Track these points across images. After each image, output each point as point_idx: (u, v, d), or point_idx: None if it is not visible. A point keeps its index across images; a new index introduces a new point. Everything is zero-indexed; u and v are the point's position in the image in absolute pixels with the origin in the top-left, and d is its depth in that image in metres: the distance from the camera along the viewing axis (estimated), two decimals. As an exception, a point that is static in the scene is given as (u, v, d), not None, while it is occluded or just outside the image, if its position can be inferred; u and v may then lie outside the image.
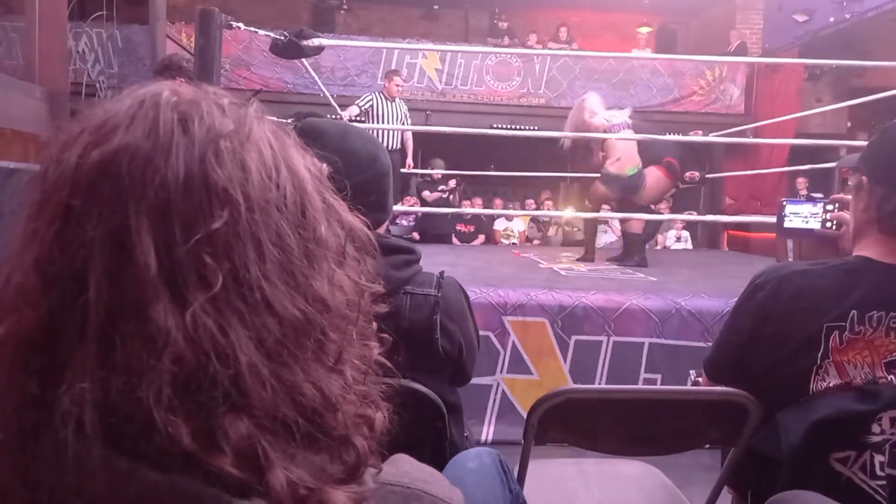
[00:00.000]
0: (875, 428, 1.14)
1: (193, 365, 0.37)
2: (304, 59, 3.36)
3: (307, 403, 0.41)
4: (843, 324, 1.14)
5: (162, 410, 0.36)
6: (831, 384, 1.15)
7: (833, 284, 1.17)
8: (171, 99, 0.42)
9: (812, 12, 8.62)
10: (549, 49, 9.15)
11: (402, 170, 6.02)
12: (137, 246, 0.37)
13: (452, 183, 7.29)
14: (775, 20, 9.52)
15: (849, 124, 9.69)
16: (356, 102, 5.77)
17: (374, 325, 0.50)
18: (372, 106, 5.70)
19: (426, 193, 7.33)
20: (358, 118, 5.60)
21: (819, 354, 1.15)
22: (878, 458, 1.14)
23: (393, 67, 8.88)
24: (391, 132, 5.61)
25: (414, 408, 1.08)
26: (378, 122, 5.63)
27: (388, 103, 5.77)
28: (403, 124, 5.85)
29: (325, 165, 0.48)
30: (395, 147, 5.74)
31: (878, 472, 1.13)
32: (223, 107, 0.43)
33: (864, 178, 1.23)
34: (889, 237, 1.18)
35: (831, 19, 8.31)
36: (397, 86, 5.85)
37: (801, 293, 1.18)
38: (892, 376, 1.14)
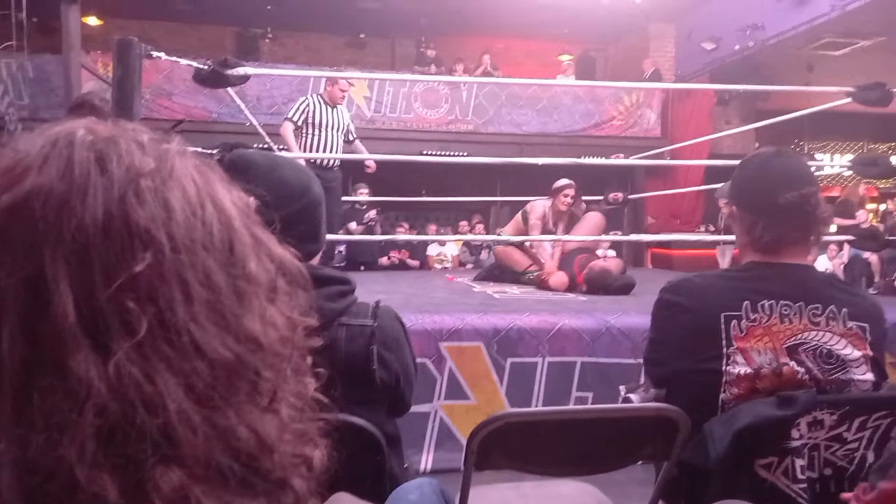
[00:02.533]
0: (794, 433, 1.21)
1: (119, 416, 0.35)
2: (229, 88, 3.30)
3: (242, 447, 0.39)
4: (739, 313, 1.27)
5: (86, 467, 0.34)
6: (741, 372, 1.25)
7: (727, 282, 1.35)
8: (86, 137, 0.40)
9: (719, 40, 9.19)
10: (476, 77, 9.35)
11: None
12: (55, 294, 0.35)
13: (373, 213, 7.23)
14: (686, 48, 10.09)
15: (756, 145, 10.31)
16: (287, 116, 4.99)
17: (309, 360, 0.49)
18: (308, 112, 4.95)
19: (352, 226, 7.22)
20: (297, 132, 4.96)
21: (723, 343, 1.26)
22: (799, 462, 1.20)
23: (320, 95, 8.84)
24: (333, 145, 5.01)
25: (352, 442, 1.06)
26: (316, 131, 4.98)
27: (328, 109, 5.02)
28: (347, 134, 5.20)
29: (252, 199, 0.47)
30: (333, 164, 5.03)
31: (800, 476, 1.19)
32: (143, 144, 0.42)
33: (734, 207, 1.40)
34: (766, 254, 1.33)
35: (737, 47, 8.88)
36: (342, 91, 5.12)
37: (700, 290, 1.33)
38: (793, 361, 1.23)
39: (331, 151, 5.00)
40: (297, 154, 4.60)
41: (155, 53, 2.61)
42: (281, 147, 5.03)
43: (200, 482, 0.36)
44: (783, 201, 1.28)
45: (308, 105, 5.00)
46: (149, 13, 9.89)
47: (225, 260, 0.41)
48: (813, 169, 1.47)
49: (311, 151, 4.91)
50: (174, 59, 2.97)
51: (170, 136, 0.45)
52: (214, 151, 2.25)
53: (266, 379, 0.42)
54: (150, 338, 0.36)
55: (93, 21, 9.53)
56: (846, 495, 1.00)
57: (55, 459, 0.34)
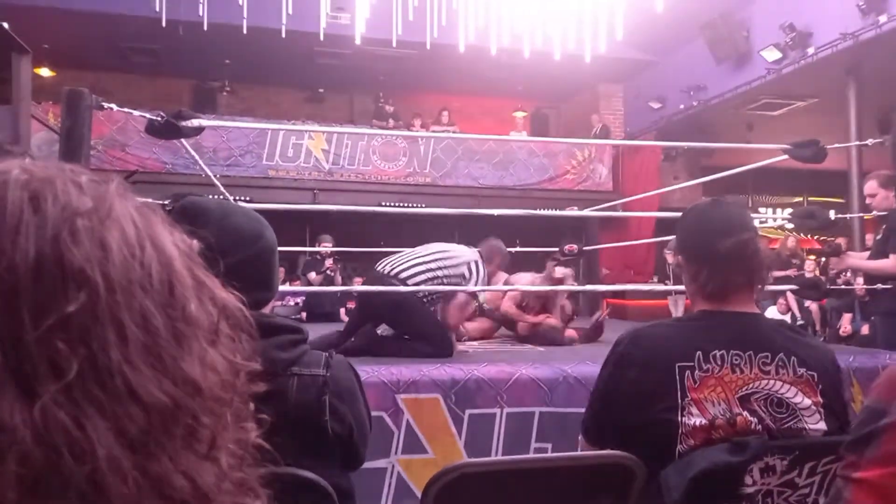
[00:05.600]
0: (748, 479, 1.22)
1: (43, 464, 0.33)
2: (183, 140, 3.28)
3: (177, 496, 0.37)
4: (692, 363, 1.28)
5: None
6: (697, 423, 1.25)
7: (680, 333, 1.35)
8: (20, 177, 0.39)
9: (665, 100, 9.64)
10: (433, 132, 9.54)
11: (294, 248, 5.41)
12: None
13: (330, 262, 7.20)
14: (634, 106, 10.55)
15: (702, 198, 10.70)
16: None
17: (252, 406, 0.48)
18: None
19: (312, 276, 7.18)
20: None
21: (678, 395, 1.26)
22: (753, 509, 1.20)
23: (278, 148, 8.87)
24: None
25: (303, 496, 1.02)
26: None
27: None
28: None
29: (195, 241, 0.47)
30: None
31: (754, 522, 1.20)
32: (81, 184, 0.41)
33: (679, 258, 1.45)
34: (713, 302, 1.36)
35: (681, 106, 9.32)
36: None
37: (654, 342, 1.34)
38: (746, 411, 1.25)
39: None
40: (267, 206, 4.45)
41: (106, 105, 2.59)
42: (238, 197, 5.00)
43: None
44: (723, 248, 1.32)
45: None
46: (105, 65, 9.86)
47: (164, 301, 0.40)
48: (754, 218, 1.53)
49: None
50: (126, 110, 2.94)
51: (110, 178, 0.44)
52: (166, 202, 2.22)
53: (204, 425, 0.41)
54: (79, 380, 0.35)
55: (45, 72, 9.43)
56: None
57: None
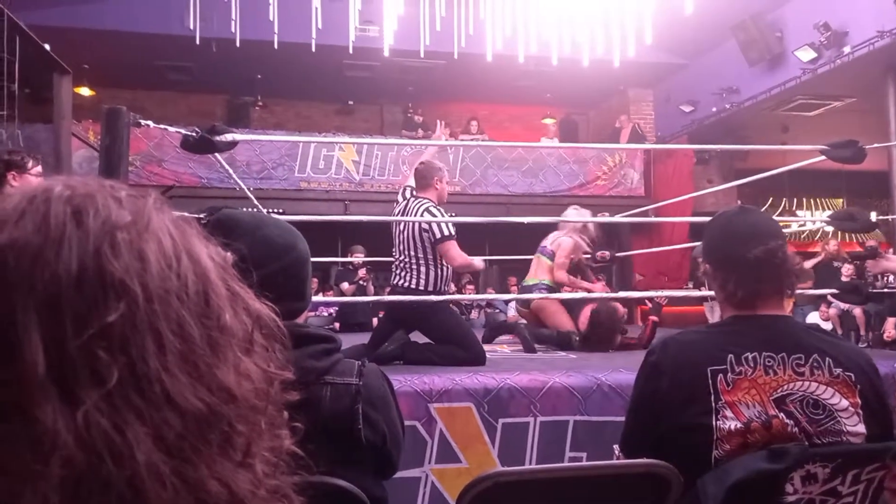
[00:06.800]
0: (788, 488, 1.19)
1: (85, 467, 0.34)
2: (217, 154, 3.35)
3: (212, 501, 0.38)
4: (725, 366, 1.26)
5: None
6: (732, 427, 1.23)
7: (710, 338, 1.34)
8: (63, 193, 0.41)
9: (696, 103, 9.50)
10: (461, 140, 9.57)
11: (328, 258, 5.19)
12: (25, 343, 0.35)
13: (363, 272, 7.25)
14: (664, 110, 10.42)
15: (739, 202, 10.51)
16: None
17: (286, 414, 0.49)
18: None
19: (345, 286, 7.25)
20: None
21: (712, 398, 1.25)
22: (795, 518, 1.17)
23: (310, 160, 8.99)
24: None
25: (336, 505, 1.03)
26: None
27: None
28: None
29: (230, 254, 0.48)
30: None
31: (797, 532, 1.16)
32: (120, 199, 0.43)
33: (707, 266, 1.44)
34: (743, 309, 1.35)
35: (713, 109, 9.18)
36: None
37: (685, 348, 1.33)
38: (782, 413, 1.22)
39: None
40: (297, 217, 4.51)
41: (143, 122, 2.66)
42: (271, 209, 5.08)
43: None
44: (751, 256, 1.31)
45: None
46: (140, 83, 10.13)
47: (199, 311, 0.41)
48: (787, 224, 1.50)
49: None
50: (163, 126, 3.02)
51: (148, 193, 0.46)
52: (201, 215, 2.27)
53: (239, 432, 0.41)
54: (120, 387, 0.36)
55: (85, 91, 9.73)
56: None
57: None
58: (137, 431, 0.36)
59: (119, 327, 0.37)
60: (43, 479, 0.33)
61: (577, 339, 4.04)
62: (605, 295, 4.26)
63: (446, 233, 3.36)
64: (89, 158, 7.10)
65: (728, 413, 1.24)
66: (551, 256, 4.54)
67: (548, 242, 4.62)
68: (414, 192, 3.63)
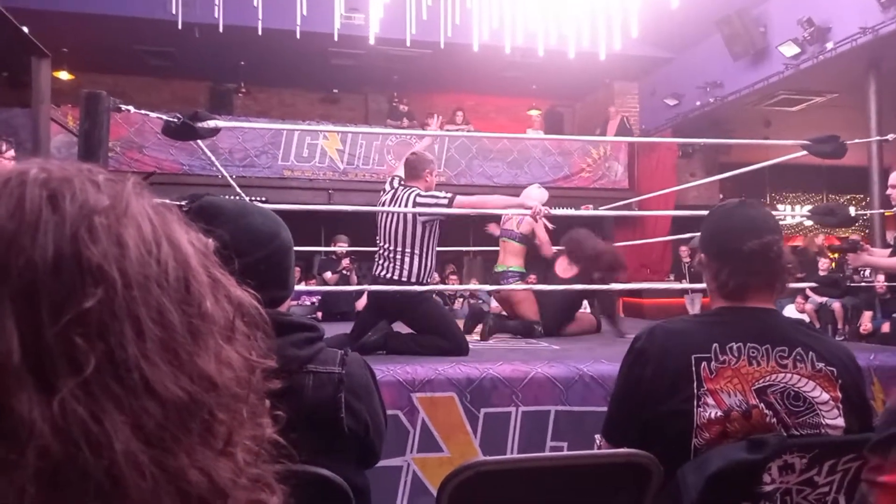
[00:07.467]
0: (766, 478, 1.21)
1: (62, 457, 0.34)
2: (200, 141, 3.31)
3: (193, 491, 0.38)
4: (709, 355, 1.28)
5: None
6: (712, 415, 1.25)
7: (697, 327, 1.37)
8: (39, 176, 0.40)
9: (681, 97, 9.56)
10: (447, 130, 9.54)
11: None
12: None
13: (346, 262, 7.23)
14: (649, 104, 10.47)
15: (721, 196, 10.61)
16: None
17: (268, 403, 0.48)
18: None
19: (328, 275, 7.23)
20: None
21: (694, 385, 1.27)
22: (772, 507, 1.19)
23: (293, 148, 8.92)
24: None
25: (318, 494, 1.03)
26: None
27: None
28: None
29: (211, 240, 0.47)
30: None
31: (773, 521, 1.18)
32: (98, 183, 0.41)
33: (702, 255, 1.45)
34: (732, 300, 1.37)
35: (697, 103, 9.23)
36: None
37: (671, 336, 1.34)
38: (762, 404, 1.24)
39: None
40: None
41: (124, 106, 2.61)
42: (254, 197, 5.03)
43: None
44: (746, 249, 1.33)
45: None
46: (122, 68, 9.96)
47: (180, 298, 0.40)
48: (778, 219, 1.52)
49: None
50: (144, 112, 2.97)
51: (127, 177, 0.45)
52: (183, 203, 2.24)
53: (220, 420, 0.41)
54: (97, 375, 0.35)
55: (64, 76, 9.55)
56: None
57: None
58: (115, 420, 0.35)
59: (97, 314, 0.36)
60: (19, 470, 0.33)
61: (540, 330, 4.21)
62: (588, 287, 4.28)
63: (443, 201, 3.40)
64: (68, 143, 6.98)
65: (709, 400, 1.25)
66: (521, 239, 4.51)
67: (513, 225, 4.56)
68: (402, 182, 3.63)
